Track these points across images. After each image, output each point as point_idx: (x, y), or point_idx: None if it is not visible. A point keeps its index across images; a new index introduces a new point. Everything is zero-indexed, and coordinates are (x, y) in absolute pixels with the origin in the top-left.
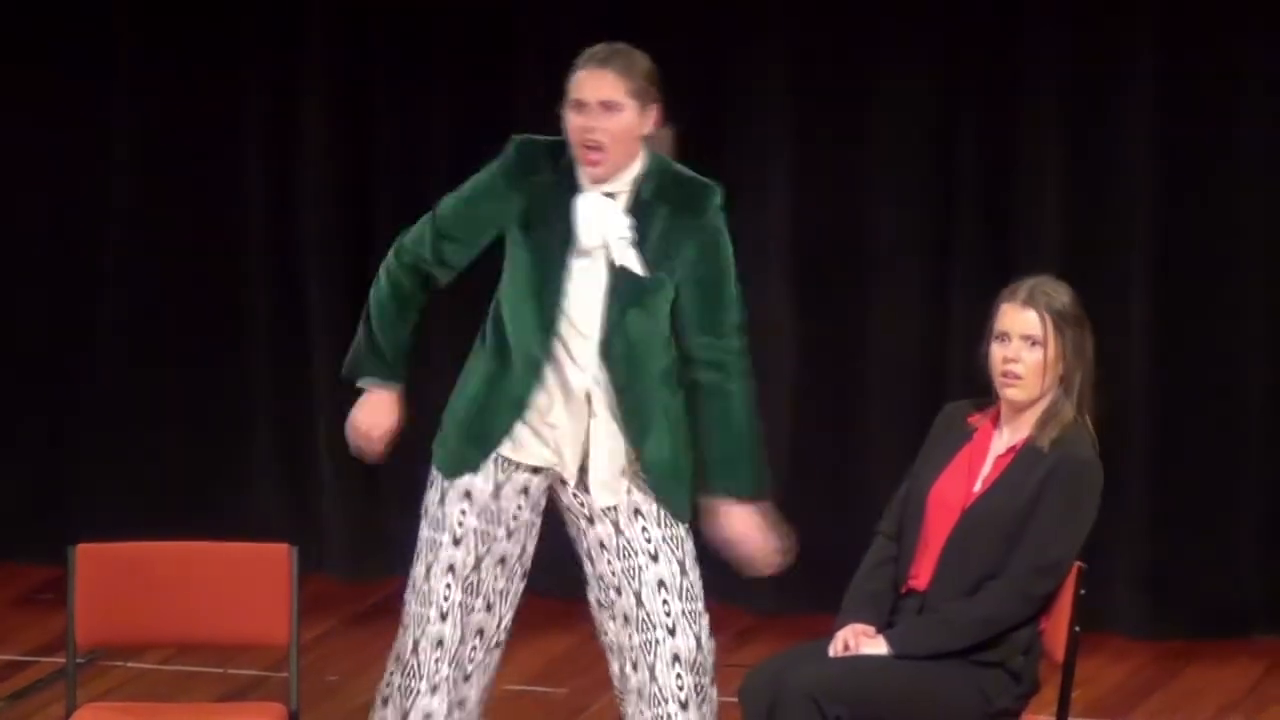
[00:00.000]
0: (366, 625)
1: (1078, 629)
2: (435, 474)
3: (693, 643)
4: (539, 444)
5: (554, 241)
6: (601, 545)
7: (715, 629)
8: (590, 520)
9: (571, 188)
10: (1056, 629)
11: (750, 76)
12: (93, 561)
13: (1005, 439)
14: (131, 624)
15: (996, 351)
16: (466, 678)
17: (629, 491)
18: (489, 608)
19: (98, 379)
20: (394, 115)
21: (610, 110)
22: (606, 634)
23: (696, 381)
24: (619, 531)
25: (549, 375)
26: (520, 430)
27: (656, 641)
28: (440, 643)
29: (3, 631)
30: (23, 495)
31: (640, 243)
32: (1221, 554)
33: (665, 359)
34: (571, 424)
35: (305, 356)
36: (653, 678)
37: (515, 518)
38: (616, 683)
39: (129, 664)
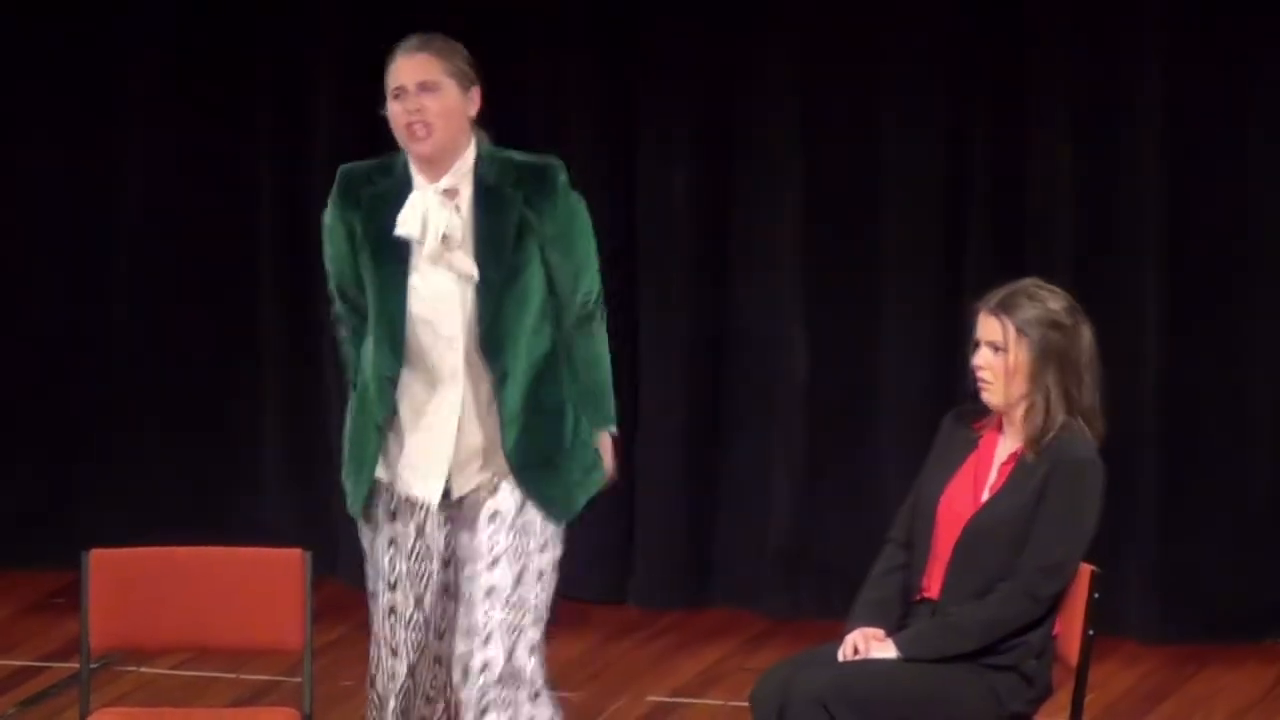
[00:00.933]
0: None
1: (1092, 633)
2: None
3: (501, 653)
4: (395, 463)
5: (387, 253)
6: (455, 551)
7: (729, 633)
8: (457, 528)
9: (387, 194)
10: (1070, 633)
11: (759, 85)
12: (106, 567)
13: (1007, 446)
14: (145, 629)
15: (972, 359)
16: (430, 699)
17: (495, 493)
18: (441, 636)
19: (110, 384)
20: None
21: (431, 90)
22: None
23: (566, 343)
24: (474, 536)
25: (407, 390)
26: (388, 454)
27: (471, 652)
28: (393, 676)
29: (16, 637)
30: (36, 501)
31: (494, 231)
32: (1235, 558)
33: (537, 349)
34: (436, 436)
35: (317, 361)
36: (466, 681)
37: (448, 544)
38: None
39: (142, 669)
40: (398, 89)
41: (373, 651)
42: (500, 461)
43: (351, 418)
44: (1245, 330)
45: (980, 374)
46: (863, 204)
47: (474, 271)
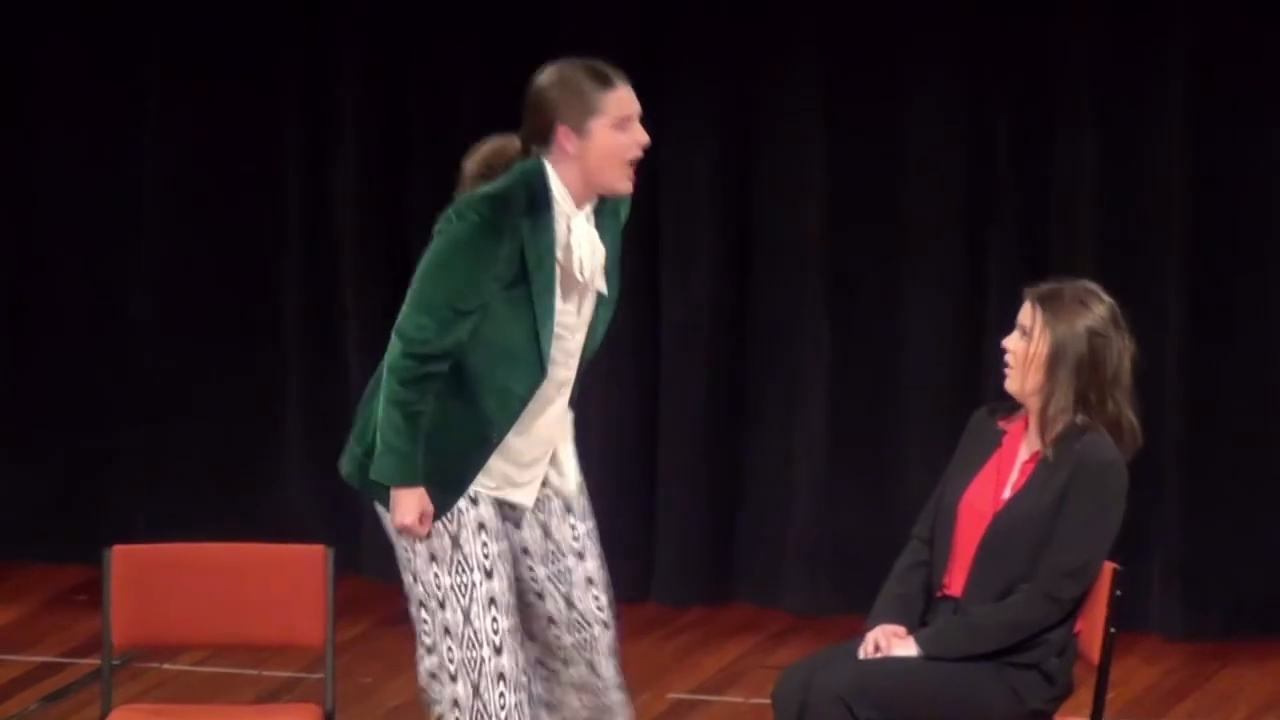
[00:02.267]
0: (401, 626)
1: (1113, 630)
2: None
3: (614, 633)
4: (496, 478)
5: (544, 281)
6: (525, 550)
7: (750, 630)
8: (516, 525)
9: (547, 223)
10: (1092, 630)
11: (782, 77)
12: (128, 563)
13: (1030, 445)
14: (167, 625)
15: (1004, 341)
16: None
17: (558, 487)
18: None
19: (131, 380)
20: (427, 117)
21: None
22: (525, 626)
23: None
24: (548, 535)
25: (527, 408)
26: (492, 467)
27: (594, 639)
28: (502, 676)
29: (39, 633)
30: (57, 496)
31: (612, 253)
32: (1257, 555)
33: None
34: (536, 455)
35: (340, 358)
36: (593, 671)
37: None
38: (529, 672)
39: (164, 665)
40: (627, 117)
41: (459, 655)
42: (561, 464)
43: (446, 435)
44: (1269, 327)
45: (1006, 355)
46: (886, 200)
47: (606, 289)
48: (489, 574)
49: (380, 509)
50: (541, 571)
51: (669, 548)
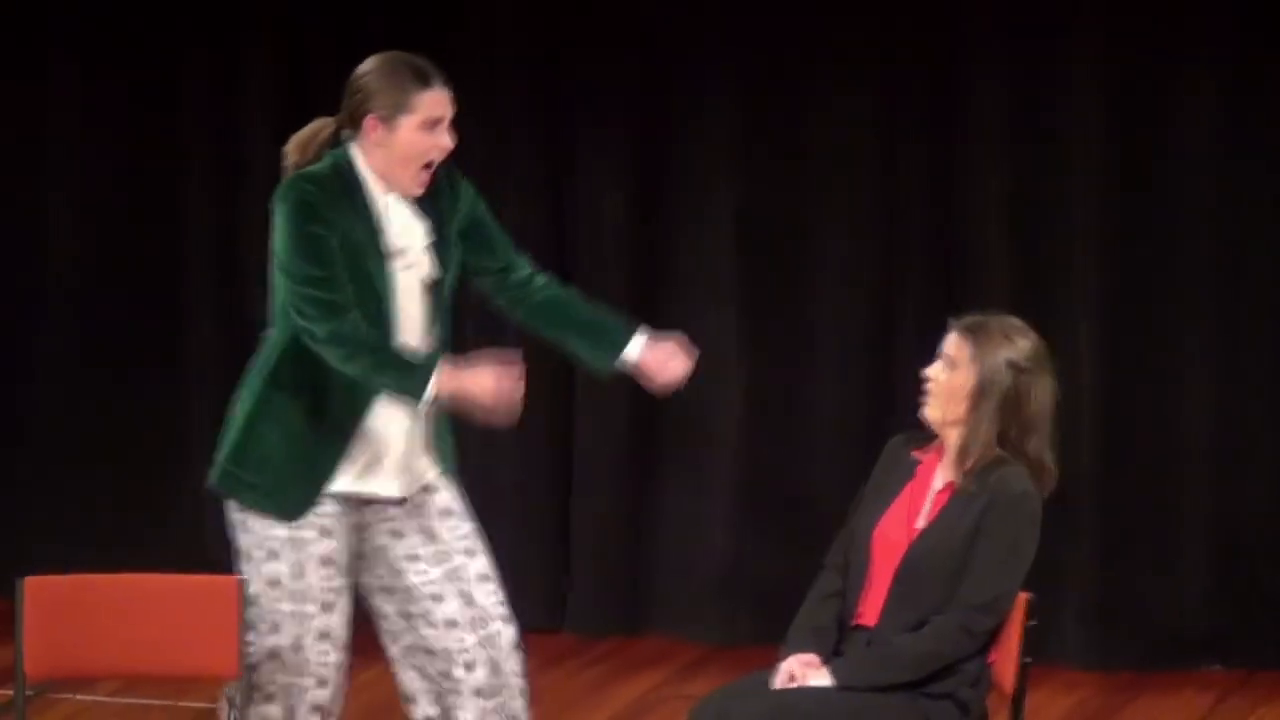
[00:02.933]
0: None
1: (1028, 660)
2: (272, 532)
3: (515, 627)
4: (362, 470)
5: (374, 259)
6: (412, 556)
7: (664, 661)
8: (397, 534)
9: (362, 204)
10: (1005, 660)
11: (695, 109)
12: (41, 594)
13: (943, 475)
14: (81, 656)
15: (926, 370)
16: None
17: (433, 491)
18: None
19: (42, 410)
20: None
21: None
22: (420, 643)
23: (539, 299)
24: (433, 538)
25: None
26: (347, 461)
27: (497, 633)
28: (318, 707)
29: None
30: None
31: (442, 234)
32: (1170, 586)
33: (449, 343)
34: (396, 436)
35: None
36: (495, 671)
37: (358, 553)
38: (424, 692)
39: (78, 696)
40: (434, 120)
41: (282, 681)
42: (433, 457)
43: (293, 423)
44: (1181, 358)
45: (927, 384)
46: (796, 230)
47: (438, 274)
48: (327, 608)
49: (235, 519)
50: (435, 572)
51: (583, 578)
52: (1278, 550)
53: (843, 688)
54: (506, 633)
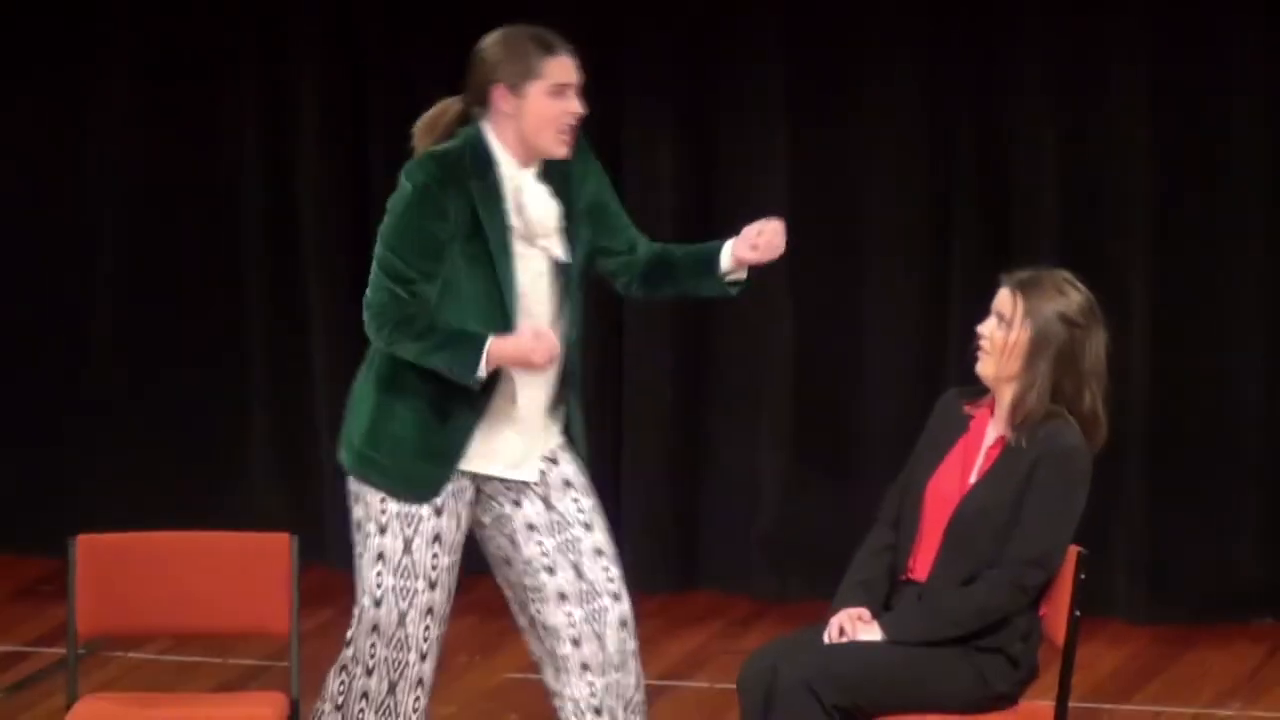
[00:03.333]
0: None
1: (1078, 614)
2: (384, 506)
3: (630, 607)
4: (494, 451)
5: (499, 238)
6: (530, 526)
7: (716, 616)
8: (517, 503)
9: (495, 183)
10: (1056, 614)
11: (744, 64)
12: (93, 552)
13: (995, 430)
14: (132, 614)
15: (979, 326)
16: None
17: (556, 462)
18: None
19: (96, 370)
20: (389, 110)
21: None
22: (539, 616)
23: (641, 268)
24: (550, 507)
25: (510, 375)
26: (476, 439)
27: (605, 609)
28: (420, 681)
29: (3, 623)
30: (23, 486)
31: (571, 215)
32: (1220, 539)
33: (580, 325)
34: (528, 418)
35: (304, 343)
36: (602, 646)
37: (479, 523)
38: (547, 662)
39: (129, 654)
40: (562, 85)
41: (383, 654)
42: (560, 431)
43: (424, 402)
44: (1231, 316)
45: (981, 340)
46: (847, 187)
47: (568, 256)
48: (433, 585)
49: (351, 490)
50: (550, 543)
51: (633, 535)
52: None
53: (893, 642)
54: (615, 609)
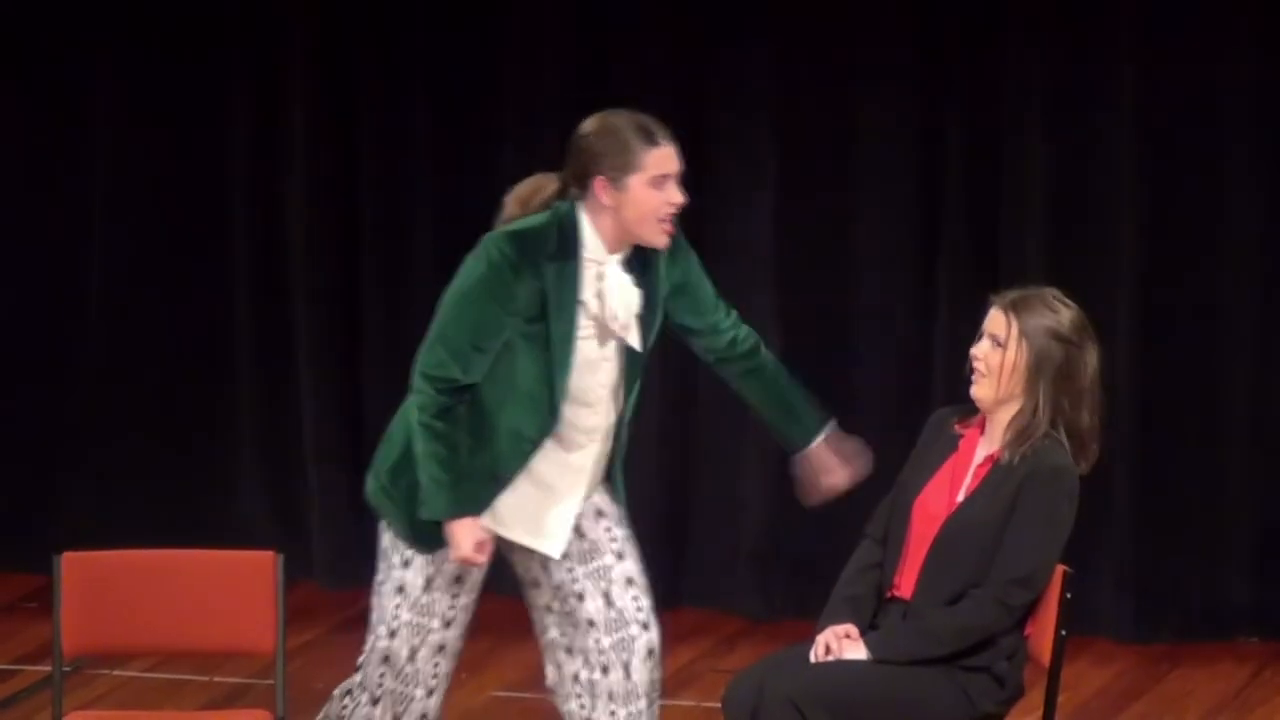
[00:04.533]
0: (353, 632)
1: (1064, 633)
2: (406, 549)
3: (659, 638)
4: (513, 518)
5: (565, 325)
6: (564, 553)
7: (702, 634)
8: None
9: (575, 269)
10: (1042, 633)
11: (733, 82)
12: (79, 570)
13: (985, 448)
14: (117, 632)
15: (972, 348)
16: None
17: (587, 496)
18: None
19: (83, 386)
20: (377, 125)
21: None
22: (562, 640)
23: (740, 369)
24: (581, 535)
25: (551, 454)
26: (501, 504)
27: (632, 638)
28: (424, 716)
29: None
30: (8, 503)
31: (650, 303)
32: (1207, 558)
33: (639, 402)
34: (565, 490)
35: (291, 364)
36: (628, 675)
37: (510, 547)
38: (567, 687)
39: (115, 672)
40: (665, 175)
41: (390, 686)
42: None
43: (456, 457)
44: (1219, 332)
45: (976, 364)
46: (836, 205)
47: (639, 344)
48: (448, 624)
49: (382, 521)
50: (580, 570)
51: None
52: None
53: (879, 660)
54: (643, 639)
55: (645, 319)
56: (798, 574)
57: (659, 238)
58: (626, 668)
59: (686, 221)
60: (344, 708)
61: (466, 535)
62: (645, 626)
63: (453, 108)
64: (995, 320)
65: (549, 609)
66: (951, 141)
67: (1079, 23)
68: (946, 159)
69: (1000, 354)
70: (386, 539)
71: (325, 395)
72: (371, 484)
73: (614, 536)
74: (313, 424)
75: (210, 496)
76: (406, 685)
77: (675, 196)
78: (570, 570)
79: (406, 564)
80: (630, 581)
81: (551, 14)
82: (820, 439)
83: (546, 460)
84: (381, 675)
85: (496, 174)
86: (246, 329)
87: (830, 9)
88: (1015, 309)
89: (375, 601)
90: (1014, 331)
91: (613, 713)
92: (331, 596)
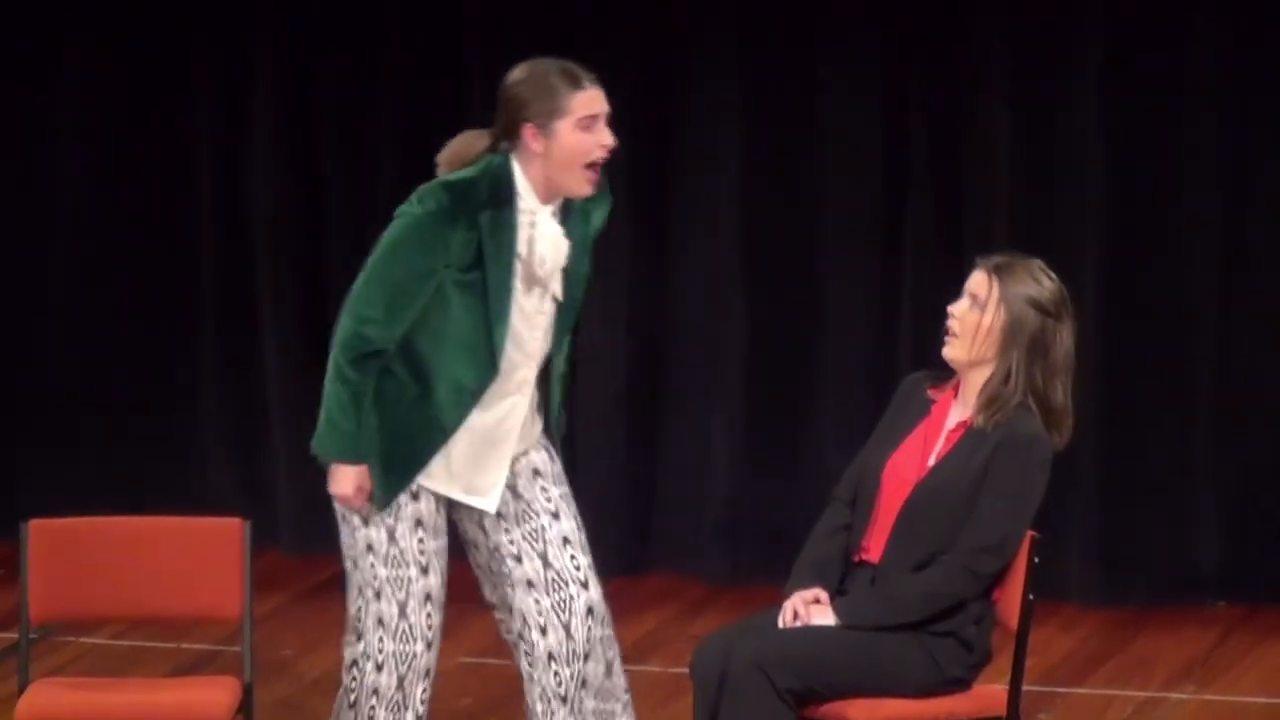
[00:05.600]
0: (319, 599)
1: (1031, 597)
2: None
3: (599, 594)
4: (454, 473)
5: (501, 274)
6: (499, 515)
7: (669, 600)
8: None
9: (509, 218)
10: (1010, 598)
11: (697, 56)
12: (45, 537)
13: (958, 414)
14: (84, 599)
15: (950, 306)
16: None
17: (525, 453)
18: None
19: (48, 354)
20: (340, 95)
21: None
22: (503, 601)
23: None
24: (517, 496)
25: (486, 405)
26: (444, 457)
27: (571, 598)
28: (428, 672)
29: None
30: None
31: (579, 254)
32: (1172, 523)
33: (571, 353)
34: (503, 435)
35: (255, 332)
36: (569, 635)
37: (439, 511)
38: (519, 646)
39: (82, 639)
40: (591, 116)
41: (391, 647)
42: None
43: (398, 415)
44: (1185, 301)
45: (950, 322)
46: (801, 174)
47: (566, 297)
48: (424, 570)
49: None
50: (516, 532)
51: (587, 517)
52: (1279, 487)
53: (847, 627)
54: (583, 597)
55: (572, 271)
56: (765, 539)
57: (584, 187)
58: (567, 628)
59: (652, 183)
60: (352, 679)
61: (349, 476)
62: (584, 585)
63: (417, 90)
64: (978, 280)
65: (489, 569)
66: (915, 106)
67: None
68: (910, 129)
69: (977, 315)
70: (340, 504)
71: (289, 363)
72: (317, 445)
73: (549, 496)
74: (277, 390)
75: (177, 463)
76: (405, 643)
77: (605, 138)
78: (507, 531)
79: (366, 522)
80: (566, 541)
81: (514, 15)
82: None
83: (478, 414)
84: (380, 639)
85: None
86: (210, 298)
87: None
88: (999, 272)
89: (351, 568)
90: (995, 294)
91: (556, 673)
92: (297, 563)
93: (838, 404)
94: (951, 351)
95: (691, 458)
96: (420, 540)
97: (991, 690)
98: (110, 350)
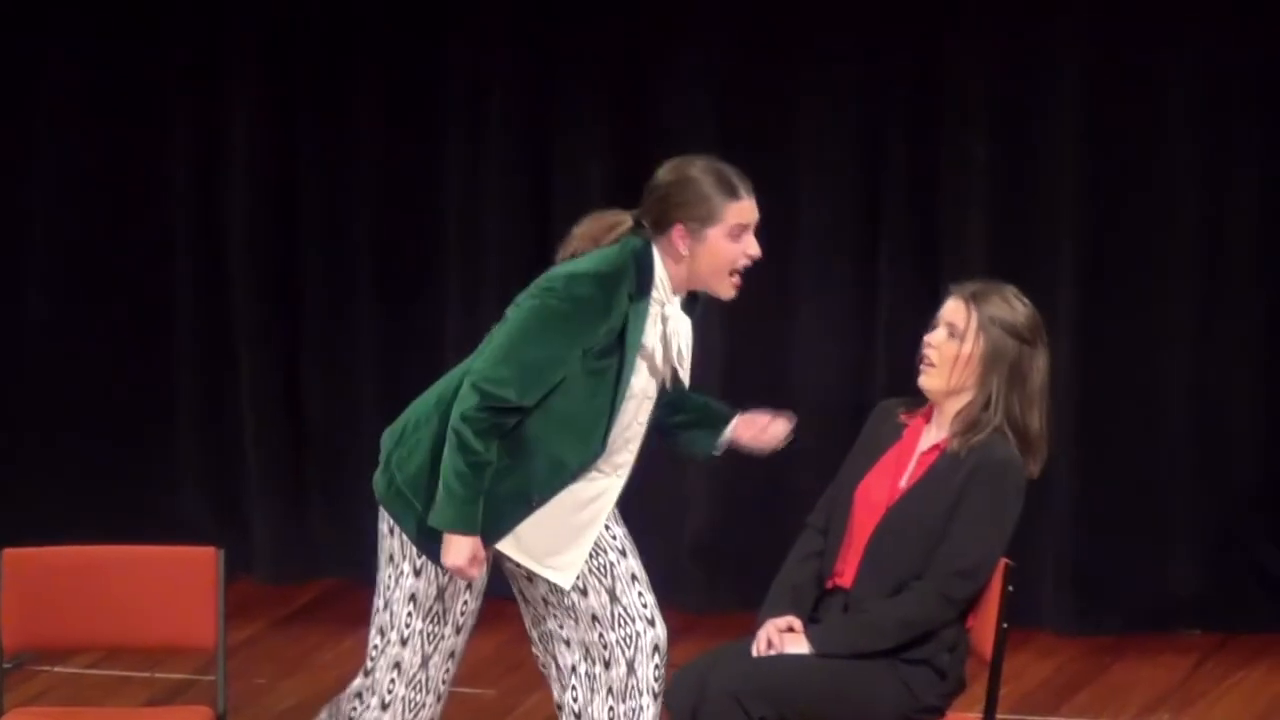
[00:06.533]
0: (293, 628)
1: (1006, 625)
2: (418, 556)
3: (665, 632)
4: (527, 547)
5: (623, 362)
6: None
7: None
8: None
9: (644, 309)
10: (984, 626)
11: (676, 80)
12: (20, 566)
13: (931, 437)
14: (59, 628)
15: (926, 335)
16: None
17: None
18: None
19: (22, 382)
20: (319, 120)
21: None
22: (560, 631)
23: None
24: None
25: (581, 485)
26: (534, 539)
27: (639, 634)
28: None
29: None
30: None
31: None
32: (1147, 551)
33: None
34: (587, 520)
35: (231, 359)
36: (631, 672)
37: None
38: (565, 679)
39: (56, 668)
40: (743, 226)
41: (402, 693)
42: None
43: (480, 479)
44: (1158, 328)
45: (927, 351)
46: (779, 201)
47: (674, 380)
48: (459, 629)
49: (388, 525)
50: (584, 566)
51: None
52: (1255, 515)
53: (821, 654)
54: (649, 635)
55: (687, 359)
56: (741, 568)
57: (728, 291)
58: (630, 664)
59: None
60: (353, 709)
61: (465, 547)
62: (651, 623)
63: (396, 101)
64: (954, 310)
65: (545, 600)
66: (892, 133)
67: (1022, 10)
68: (887, 155)
69: (956, 345)
70: (393, 542)
71: (265, 392)
72: (383, 481)
73: (614, 535)
74: (253, 420)
75: (151, 492)
76: (419, 692)
77: (752, 248)
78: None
79: (418, 572)
80: (634, 578)
81: (496, 12)
82: (734, 426)
83: (573, 491)
84: (392, 681)
85: (439, 166)
86: (186, 324)
87: (774, 5)
88: (976, 300)
89: (382, 606)
90: (973, 323)
91: (610, 708)
92: (271, 592)
93: (814, 431)
94: (929, 381)
95: (668, 486)
96: (465, 603)
97: (966, 718)
98: (83, 379)
